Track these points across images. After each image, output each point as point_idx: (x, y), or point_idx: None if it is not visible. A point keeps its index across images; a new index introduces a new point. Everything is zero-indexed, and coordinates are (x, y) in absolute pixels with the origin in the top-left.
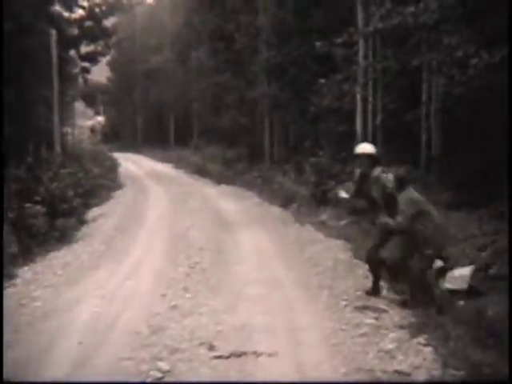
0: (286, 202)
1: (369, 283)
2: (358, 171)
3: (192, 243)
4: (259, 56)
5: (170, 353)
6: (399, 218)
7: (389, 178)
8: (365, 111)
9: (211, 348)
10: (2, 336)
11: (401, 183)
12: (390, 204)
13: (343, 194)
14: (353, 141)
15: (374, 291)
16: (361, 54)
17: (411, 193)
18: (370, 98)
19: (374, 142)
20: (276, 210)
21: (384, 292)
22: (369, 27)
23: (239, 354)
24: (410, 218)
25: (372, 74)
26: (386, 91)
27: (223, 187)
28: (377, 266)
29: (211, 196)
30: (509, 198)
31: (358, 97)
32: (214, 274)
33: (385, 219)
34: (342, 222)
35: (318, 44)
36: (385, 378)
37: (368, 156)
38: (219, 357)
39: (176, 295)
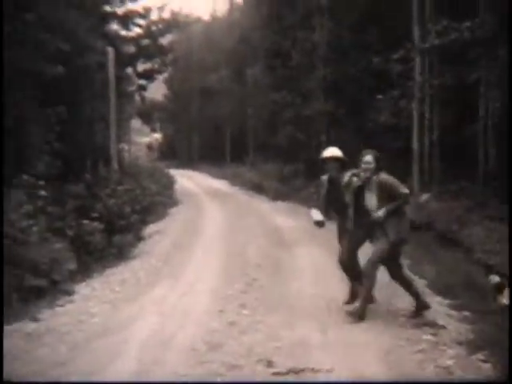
0: None
1: (426, 299)
2: (323, 179)
3: (249, 260)
4: (315, 72)
5: (228, 369)
6: (405, 190)
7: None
8: (421, 127)
9: (269, 364)
10: (2, 336)
11: (380, 165)
12: (361, 205)
13: (318, 217)
14: (410, 157)
15: (353, 298)
16: (417, 69)
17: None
18: (427, 114)
19: (430, 158)
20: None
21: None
22: (425, 43)
23: (297, 371)
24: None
25: (428, 89)
26: (442, 107)
27: (279, 204)
28: (357, 272)
29: (267, 212)
30: (509, 197)
31: (415, 113)
32: (271, 291)
33: (388, 207)
34: None
35: (374, 60)
36: None
37: (336, 160)
38: (277, 373)
39: (233, 312)
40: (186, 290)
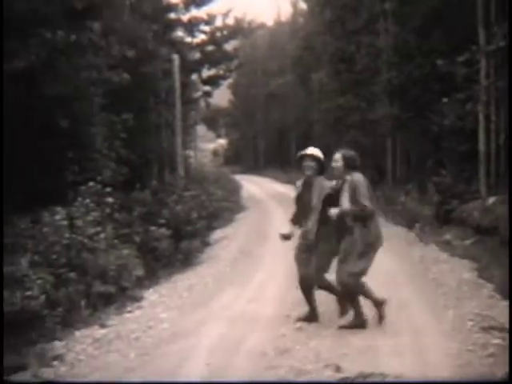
0: (409, 221)
1: (494, 303)
2: (298, 183)
3: None
4: (380, 77)
5: (296, 375)
6: (366, 202)
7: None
8: (488, 130)
9: (337, 370)
10: (2, 336)
11: (350, 164)
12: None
13: (284, 229)
14: (475, 160)
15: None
16: (482, 72)
17: (362, 177)
18: (493, 117)
19: (497, 161)
20: (399, 230)
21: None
22: (491, 45)
23: (366, 376)
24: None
25: (494, 92)
26: (508, 109)
27: None
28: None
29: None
30: (509, 195)
31: (481, 115)
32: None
33: (343, 208)
34: (467, 242)
35: (439, 63)
36: None
37: (315, 159)
38: (345, 378)
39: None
40: (254, 295)
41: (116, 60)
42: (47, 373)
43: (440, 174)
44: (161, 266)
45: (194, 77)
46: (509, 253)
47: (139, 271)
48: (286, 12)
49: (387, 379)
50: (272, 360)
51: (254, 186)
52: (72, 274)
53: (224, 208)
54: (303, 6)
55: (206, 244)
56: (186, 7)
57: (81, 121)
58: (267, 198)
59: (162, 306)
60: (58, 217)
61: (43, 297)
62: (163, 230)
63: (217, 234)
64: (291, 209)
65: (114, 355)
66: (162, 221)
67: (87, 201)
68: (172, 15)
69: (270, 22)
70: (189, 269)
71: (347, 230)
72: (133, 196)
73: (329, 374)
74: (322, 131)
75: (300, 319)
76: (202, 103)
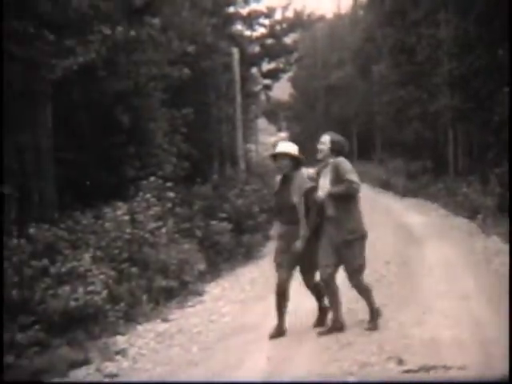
0: (471, 213)
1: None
2: (277, 178)
3: (378, 256)
4: (441, 68)
5: (360, 367)
6: (353, 177)
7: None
8: None
9: (400, 362)
10: (2, 335)
11: (336, 149)
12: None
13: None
14: None
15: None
16: None
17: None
18: None
19: None
20: (461, 222)
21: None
22: None
23: (428, 368)
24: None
25: None
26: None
27: (407, 200)
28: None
29: (395, 209)
30: (509, 192)
31: None
32: (401, 288)
33: (330, 188)
34: None
35: (500, 53)
36: None
37: (288, 156)
38: (408, 371)
39: (363, 310)
40: None
41: (176, 55)
42: (110, 367)
43: (502, 164)
44: (222, 260)
45: (254, 70)
46: (509, 252)
47: (201, 265)
48: (346, 4)
49: (450, 371)
50: (335, 353)
51: None
52: (134, 269)
53: None
54: None
55: (268, 237)
56: (246, 1)
57: (141, 116)
58: None
59: (224, 299)
60: (119, 212)
61: (105, 292)
62: (224, 224)
63: None
64: None
65: (176, 349)
66: (224, 215)
67: (148, 196)
68: (231, 9)
69: (329, 15)
70: (250, 262)
71: (329, 220)
72: (194, 190)
73: (391, 367)
74: (384, 123)
75: (272, 336)
76: (263, 97)
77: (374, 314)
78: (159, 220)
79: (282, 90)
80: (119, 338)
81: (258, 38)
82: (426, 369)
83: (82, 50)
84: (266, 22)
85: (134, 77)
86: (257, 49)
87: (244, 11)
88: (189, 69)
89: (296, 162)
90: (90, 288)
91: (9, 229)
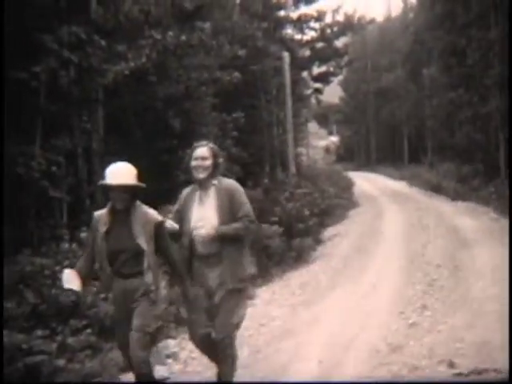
0: None
1: None
2: (96, 216)
3: (429, 260)
4: (492, 70)
5: (410, 371)
6: (252, 214)
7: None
8: None
9: (451, 365)
10: (2, 335)
11: (219, 165)
12: (164, 248)
13: (70, 283)
14: None
15: None
16: None
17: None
18: None
19: None
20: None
21: None
22: None
23: (479, 372)
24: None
25: None
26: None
27: (459, 204)
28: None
29: (446, 213)
30: (509, 193)
31: None
32: (452, 291)
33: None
34: None
35: None
36: None
37: (129, 189)
38: (459, 374)
39: (414, 313)
40: (367, 292)
41: (226, 59)
42: (161, 370)
43: None
44: (273, 264)
45: (305, 74)
46: (509, 251)
47: (252, 269)
48: (396, 7)
49: (500, 375)
50: (385, 357)
51: (366, 183)
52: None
53: (336, 205)
54: (413, 0)
55: (319, 241)
56: (296, 4)
57: (192, 120)
58: (380, 194)
59: (274, 303)
60: (171, 215)
61: None
62: (275, 228)
63: (329, 231)
64: (405, 206)
65: None
66: (274, 218)
67: None
68: (281, 13)
69: (379, 18)
70: (301, 266)
71: (209, 261)
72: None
73: (442, 370)
74: (435, 126)
75: None
76: (313, 100)
77: None
78: None
79: (332, 93)
80: (170, 342)
81: (308, 42)
82: (477, 372)
83: (133, 55)
84: (317, 25)
85: (184, 81)
86: (307, 52)
87: (294, 15)
88: (239, 73)
89: (135, 193)
90: None
91: (60, 233)
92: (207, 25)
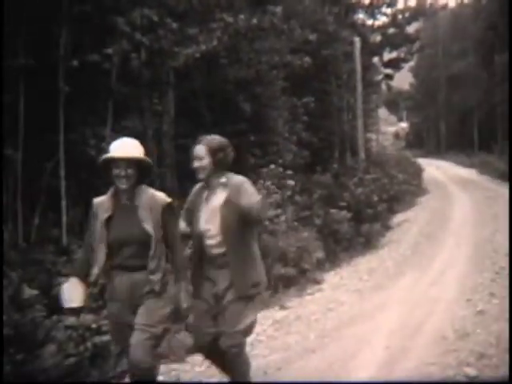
0: None
1: None
2: (103, 204)
3: (497, 248)
4: None
5: (477, 358)
6: (257, 201)
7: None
8: None
9: None
10: (2, 335)
11: (222, 161)
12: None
13: (70, 302)
14: None
15: None
16: None
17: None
18: None
19: None
20: None
21: None
22: None
23: None
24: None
25: None
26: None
27: None
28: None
29: None
30: (509, 191)
31: None
32: None
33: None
34: None
35: None
36: None
37: (133, 163)
38: None
39: (482, 300)
40: (435, 279)
41: (297, 43)
42: None
43: None
44: (341, 249)
45: (375, 60)
46: (509, 250)
47: (320, 254)
48: None
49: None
50: (452, 344)
51: (435, 170)
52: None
53: (405, 191)
54: None
55: (388, 227)
56: None
57: (263, 104)
58: (449, 181)
59: (342, 288)
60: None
61: None
62: (344, 213)
63: (398, 217)
64: (474, 194)
65: (294, 336)
66: (343, 203)
67: (268, 183)
68: None
69: (452, 3)
70: (370, 252)
71: (217, 262)
72: (314, 179)
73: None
74: (506, 113)
75: None
76: (384, 86)
77: None
78: (278, 208)
79: (402, 79)
80: None
81: (379, 27)
82: None
83: (204, 38)
84: (388, 11)
85: (255, 65)
86: (378, 38)
87: (366, 0)
88: (310, 57)
89: (144, 172)
90: None
91: None
92: (278, 8)
